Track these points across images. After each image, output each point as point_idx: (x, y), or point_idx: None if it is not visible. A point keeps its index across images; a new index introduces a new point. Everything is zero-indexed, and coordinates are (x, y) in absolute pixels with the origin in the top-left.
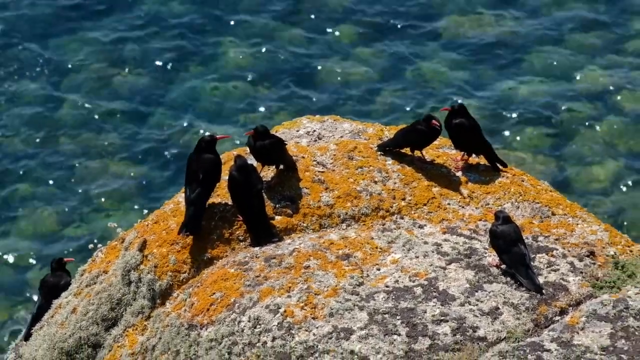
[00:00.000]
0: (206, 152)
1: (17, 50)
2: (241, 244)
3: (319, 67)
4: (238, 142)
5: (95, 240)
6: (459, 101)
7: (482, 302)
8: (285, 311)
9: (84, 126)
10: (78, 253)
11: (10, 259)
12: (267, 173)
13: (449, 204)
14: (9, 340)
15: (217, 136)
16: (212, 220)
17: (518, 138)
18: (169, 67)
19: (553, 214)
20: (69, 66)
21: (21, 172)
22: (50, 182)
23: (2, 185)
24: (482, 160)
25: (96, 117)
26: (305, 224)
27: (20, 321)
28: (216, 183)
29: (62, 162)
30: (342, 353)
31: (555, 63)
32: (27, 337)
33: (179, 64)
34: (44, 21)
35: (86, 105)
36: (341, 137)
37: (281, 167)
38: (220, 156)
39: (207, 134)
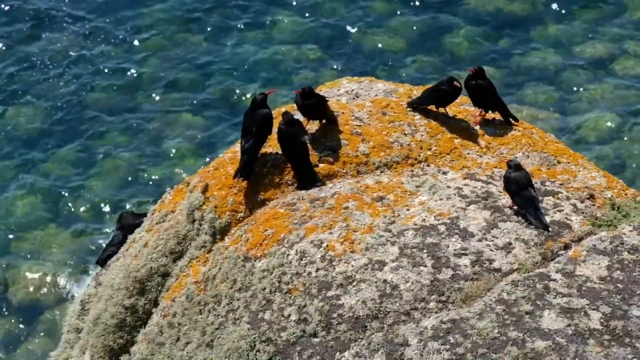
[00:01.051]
0: (259, 108)
1: (95, 21)
2: (289, 187)
3: (357, 35)
4: (288, 99)
5: (164, 185)
6: (478, 65)
7: (497, 238)
8: (327, 246)
9: (155, 84)
10: (149, 195)
11: (90, 199)
12: (312, 127)
13: (468, 153)
14: (89, 270)
15: (267, 92)
16: (265, 167)
17: (528, 97)
18: (227, 34)
19: (558, 162)
20: (138, 32)
21: (101, 126)
22: (126, 133)
23: (85, 136)
24: (497, 116)
25: (164, 76)
26: (344, 171)
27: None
28: (268, 135)
29: (137, 116)
30: (376, 282)
31: (560, 34)
32: (99, 261)
33: (236, 31)
34: None
35: (156, 66)
36: (376, 95)
37: (324, 121)
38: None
39: (259, 92)
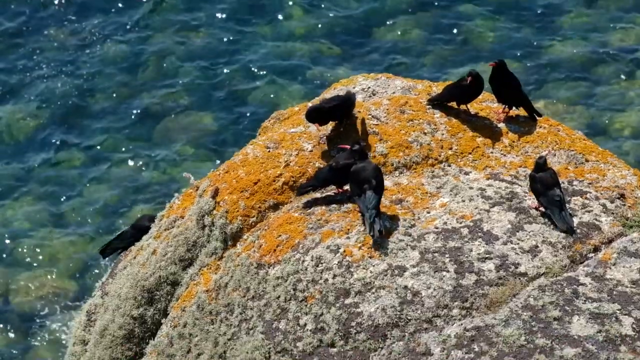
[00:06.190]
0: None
1: (94, 20)
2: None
3: (373, 30)
4: (298, 98)
5: (173, 189)
6: (501, 59)
7: (522, 241)
8: (344, 251)
9: (163, 85)
10: (157, 200)
11: (95, 205)
12: (328, 126)
13: (491, 152)
14: (96, 279)
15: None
16: (278, 169)
17: (554, 92)
18: (236, 31)
19: (586, 161)
20: (146, 28)
21: (107, 128)
22: (131, 136)
23: (91, 140)
24: (522, 113)
25: (172, 76)
26: None
27: (106, 261)
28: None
29: (144, 119)
30: (396, 288)
31: (588, 23)
32: (102, 250)
33: (246, 28)
34: None
35: (163, 65)
36: (393, 93)
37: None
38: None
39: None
